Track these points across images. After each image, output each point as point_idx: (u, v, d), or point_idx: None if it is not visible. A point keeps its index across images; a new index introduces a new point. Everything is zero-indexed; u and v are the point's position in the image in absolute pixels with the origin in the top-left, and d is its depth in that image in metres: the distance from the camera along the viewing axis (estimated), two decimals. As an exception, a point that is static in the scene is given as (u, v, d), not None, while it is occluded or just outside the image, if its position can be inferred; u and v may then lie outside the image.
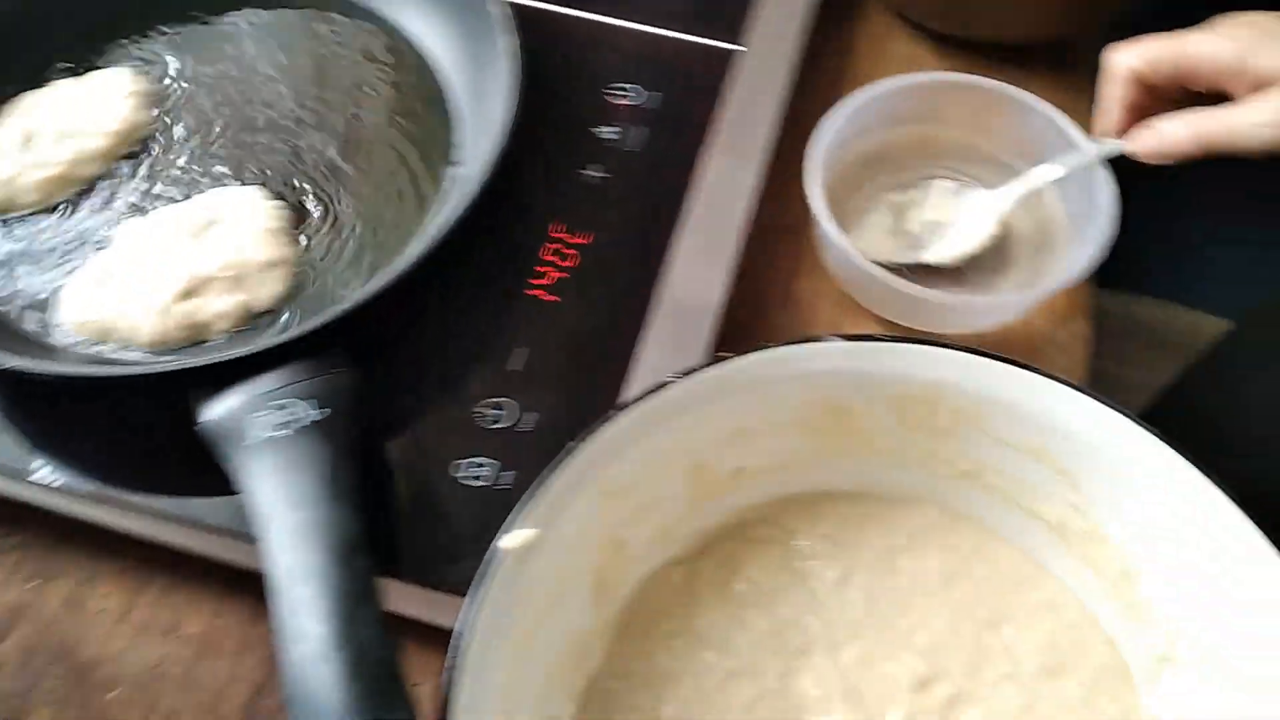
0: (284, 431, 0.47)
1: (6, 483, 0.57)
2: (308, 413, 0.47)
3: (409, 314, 0.60)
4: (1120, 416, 0.47)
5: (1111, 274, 0.65)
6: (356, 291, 0.52)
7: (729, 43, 0.73)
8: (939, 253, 0.67)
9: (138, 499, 0.56)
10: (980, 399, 0.50)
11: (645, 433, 0.49)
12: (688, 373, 0.49)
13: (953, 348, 0.49)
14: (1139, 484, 0.48)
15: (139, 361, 0.57)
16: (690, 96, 0.71)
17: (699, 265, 0.63)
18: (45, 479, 0.56)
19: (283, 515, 0.45)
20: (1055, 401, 0.48)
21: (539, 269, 0.63)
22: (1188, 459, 0.47)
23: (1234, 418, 0.89)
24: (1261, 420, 0.85)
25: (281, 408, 0.48)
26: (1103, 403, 0.48)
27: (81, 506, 0.57)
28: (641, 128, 0.69)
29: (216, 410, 0.49)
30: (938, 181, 0.69)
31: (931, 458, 0.54)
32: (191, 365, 0.50)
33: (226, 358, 0.50)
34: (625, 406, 0.48)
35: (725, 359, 0.49)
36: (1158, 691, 0.51)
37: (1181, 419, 1.01)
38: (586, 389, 0.59)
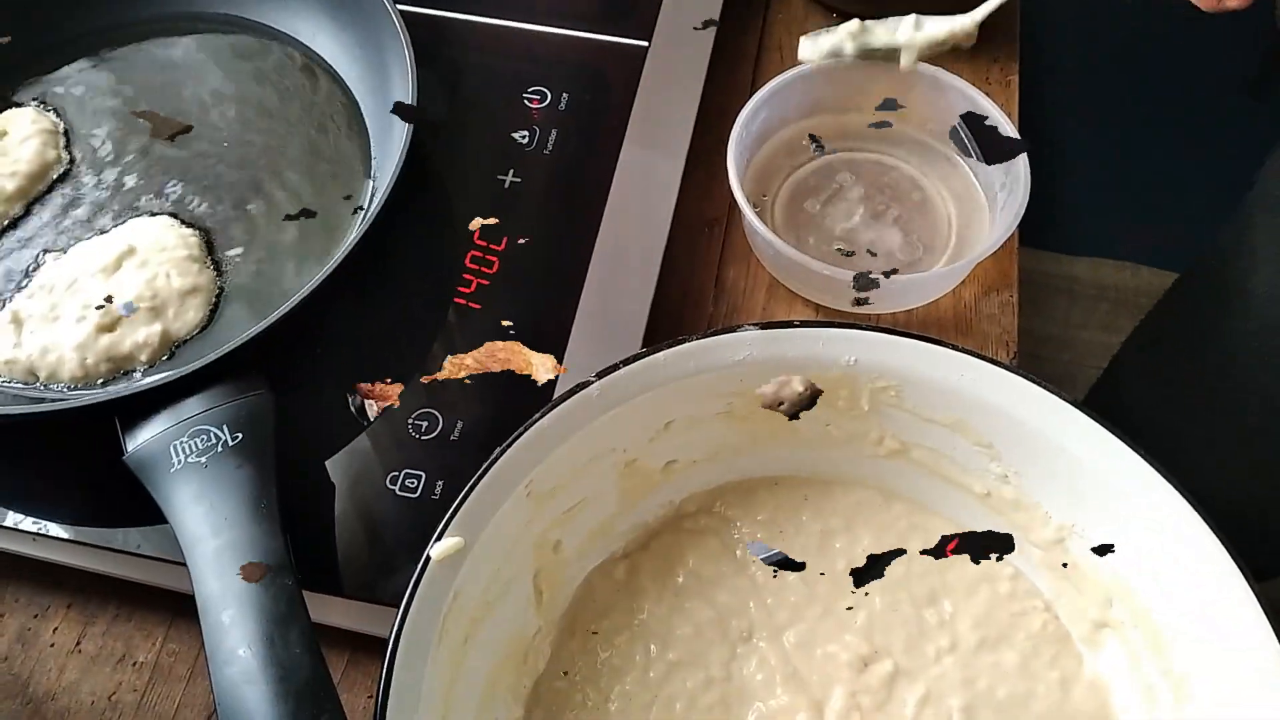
0: (203, 457, 0.47)
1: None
2: (225, 437, 0.48)
3: (331, 332, 0.60)
4: (1031, 385, 0.48)
5: (1074, 239, 0.65)
6: (272, 313, 0.52)
7: (639, 39, 0.73)
8: (906, 32, 0.66)
9: (79, 533, 0.56)
10: (896, 377, 0.50)
11: (568, 434, 0.49)
12: (606, 371, 0.49)
13: (863, 328, 0.50)
14: (1059, 451, 0.49)
15: (64, 397, 0.57)
16: (604, 95, 0.71)
17: (625, 262, 0.64)
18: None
19: (205, 540, 0.45)
20: (967, 375, 0.49)
21: (465, 276, 0.63)
22: (1101, 424, 0.47)
23: (1190, 362, 0.91)
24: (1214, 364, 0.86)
25: (200, 434, 0.48)
26: (1013, 372, 0.48)
27: (23, 545, 0.57)
28: (557, 129, 0.69)
29: (139, 440, 0.50)
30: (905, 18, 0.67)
31: (858, 439, 0.54)
32: (102, 398, 0.50)
33: (136, 389, 0.50)
34: (545, 410, 0.48)
35: (642, 355, 0.49)
36: (1101, 656, 0.52)
37: (1138, 373, 1.03)
38: (515, 395, 0.59)
